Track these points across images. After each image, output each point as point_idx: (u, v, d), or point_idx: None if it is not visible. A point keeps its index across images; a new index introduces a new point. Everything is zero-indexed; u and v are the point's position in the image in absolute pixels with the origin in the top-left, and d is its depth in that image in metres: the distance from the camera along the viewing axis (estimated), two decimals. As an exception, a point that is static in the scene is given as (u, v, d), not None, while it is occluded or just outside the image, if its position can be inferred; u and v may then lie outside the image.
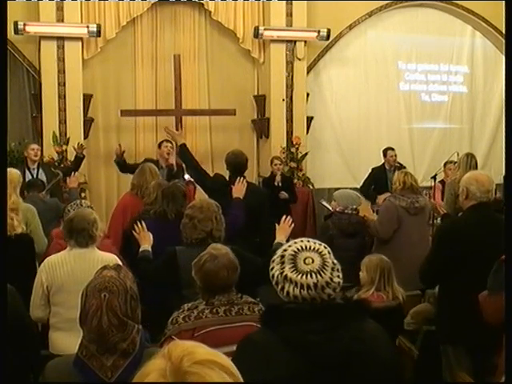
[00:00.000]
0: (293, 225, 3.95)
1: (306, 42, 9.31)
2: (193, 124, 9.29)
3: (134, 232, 4.03)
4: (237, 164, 5.23)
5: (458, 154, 6.83)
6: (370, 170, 8.55)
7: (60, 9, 8.35)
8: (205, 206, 3.78)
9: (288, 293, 1.95)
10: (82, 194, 8.11)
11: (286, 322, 1.91)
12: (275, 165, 8.10)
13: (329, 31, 9.16)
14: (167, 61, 8.88)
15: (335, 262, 2.00)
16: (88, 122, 8.77)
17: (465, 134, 10.63)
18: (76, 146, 7.87)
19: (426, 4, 10.17)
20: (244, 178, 5.00)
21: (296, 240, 2.05)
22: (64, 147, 8.35)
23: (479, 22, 10.26)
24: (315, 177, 9.52)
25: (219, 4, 9.01)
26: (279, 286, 1.98)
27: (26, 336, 3.21)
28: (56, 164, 8.13)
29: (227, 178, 5.29)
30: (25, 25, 8.16)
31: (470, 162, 6.02)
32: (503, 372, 2.33)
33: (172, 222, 4.20)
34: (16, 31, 8.09)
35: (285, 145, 9.18)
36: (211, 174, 5.61)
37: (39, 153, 7.43)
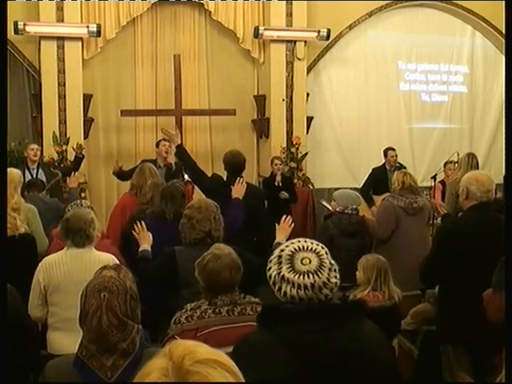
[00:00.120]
0: (293, 225, 3.96)
1: (305, 42, 9.31)
2: (193, 124, 9.29)
3: (133, 232, 4.03)
4: (234, 164, 5.23)
5: (458, 154, 6.83)
6: (370, 170, 8.55)
7: (60, 9, 8.35)
8: (203, 206, 3.78)
9: (285, 293, 1.94)
10: (82, 194, 8.11)
11: (283, 323, 1.91)
12: (275, 165, 8.10)
13: (329, 31, 9.16)
14: (167, 61, 8.88)
15: (332, 262, 2.00)
16: (88, 122, 8.77)
17: (465, 134, 10.63)
18: (75, 147, 7.87)
19: (425, 4, 10.17)
20: (242, 178, 5.00)
21: (293, 240, 2.04)
22: (64, 147, 8.35)
23: (479, 22, 10.26)
24: (315, 177, 9.52)
25: (219, 4, 9.01)
26: (276, 287, 1.97)
27: (26, 336, 3.21)
28: (56, 164, 8.12)
29: (225, 178, 5.30)
30: (25, 25, 8.16)
31: (472, 161, 6.02)
32: (503, 370, 2.33)
33: (170, 222, 4.20)
34: (16, 31, 8.09)
35: (285, 145, 9.18)
36: (211, 174, 5.61)
37: (39, 153, 7.42)
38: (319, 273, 1.94)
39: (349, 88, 10.01)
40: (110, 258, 3.54)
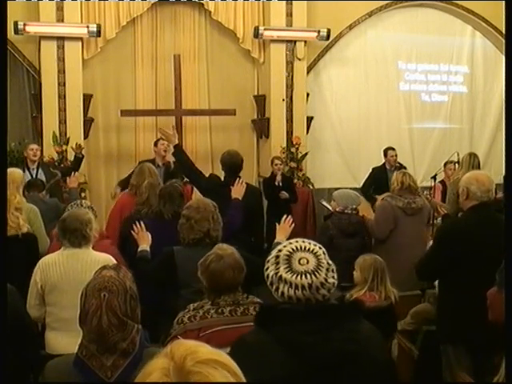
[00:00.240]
0: (293, 225, 3.96)
1: (305, 41, 9.31)
2: (193, 124, 9.29)
3: (132, 232, 4.03)
4: (232, 164, 5.22)
5: (458, 154, 6.83)
6: (370, 170, 8.55)
7: (60, 9, 8.35)
8: (201, 206, 3.77)
9: (283, 293, 1.94)
10: (82, 194, 8.12)
11: (280, 323, 1.91)
12: (276, 165, 8.11)
13: (329, 31, 9.16)
14: (167, 61, 8.88)
15: (330, 262, 1.99)
16: (88, 122, 8.77)
17: (465, 134, 10.63)
18: (74, 147, 7.87)
19: (425, 4, 10.17)
20: (239, 178, 5.00)
21: (291, 240, 2.04)
22: (64, 147, 8.35)
23: (479, 22, 10.26)
24: (315, 177, 9.52)
25: (219, 4, 9.01)
26: (274, 287, 1.97)
27: (26, 336, 3.21)
28: (56, 164, 8.12)
29: (222, 178, 5.30)
30: (25, 25, 8.15)
31: (473, 161, 6.02)
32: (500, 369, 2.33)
33: (169, 223, 4.19)
34: (16, 31, 8.09)
35: (285, 145, 9.18)
36: (209, 174, 5.61)
37: (38, 153, 7.42)
38: (317, 273, 1.93)
39: (349, 88, 10.01)
40: (107, 258, 3.53)
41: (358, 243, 5.35)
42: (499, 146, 9.60)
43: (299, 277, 1.92)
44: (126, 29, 8.90)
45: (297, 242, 2.01)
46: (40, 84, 8.51)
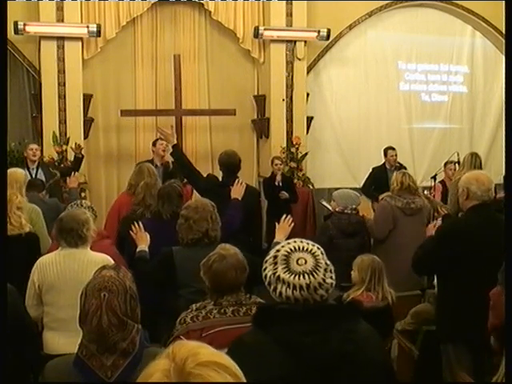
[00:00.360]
0: (292, 224, 3.95)
1: (305, 42, 9.31)
2: (193, 124, 9.29)
3: (131, 232, 4.03)
4: (230, 164, 5.22)
5: (458, 154, 6.83)
6: (370, 170, 8.55)
7: (60, 9, 8.35)
8: (200, 206, 3.77)
9: (280, 293, 1.94)
10: (82, 194, 8.11)
11: (278, 323, 1.90)
12: (276, 165, 8.11)
13: (329, 31, 9.16)
14: (167, 61, 8.88)
15: (328, 262, 1.99)
16: (88, 122, 8.77)
17: (465, 134, 10.63)
18: (73, 147, 7.87)
19: (425, 4, 10.17)
20: (238, 178, 4.99)
21: (289, 240, 2.04)
22: (64, 147, 8.35)
23: (479, 22, 10.25)
24: (315, 177, 9.52)
25: (219, 4, 9.01)
26: (272, 287, 1.97)
27: (26, 336, 3.21)
28: (56, 164, 8.13)
29: (220, 178, 5.30)
30: (25, 25, 8.15)
31: (475, 161, 6.01)
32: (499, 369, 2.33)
33: (167, 223, 4.19)
34: (16, 31, 8.08)
35: (285, 145, 9.18)
36: (206, 175, 5.60)
37: (38, 153, 7.43)
38: (315, 273, 1.93)
39: (349, 88, 10.01)
40: (105, 258, 3.52)
41: (358, 243, 5.35)
42: (499, 146, 9.60)
43: (297, 277, 1.92)
44: (125, 29, 8.90)
45: (295, 242, 2.01)
46: (40, 84, 8.51)
